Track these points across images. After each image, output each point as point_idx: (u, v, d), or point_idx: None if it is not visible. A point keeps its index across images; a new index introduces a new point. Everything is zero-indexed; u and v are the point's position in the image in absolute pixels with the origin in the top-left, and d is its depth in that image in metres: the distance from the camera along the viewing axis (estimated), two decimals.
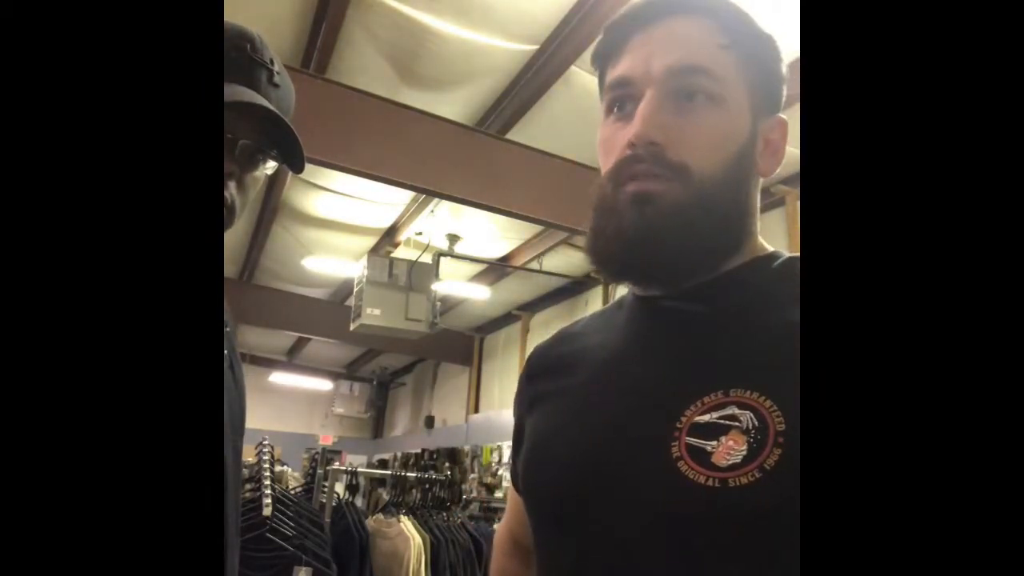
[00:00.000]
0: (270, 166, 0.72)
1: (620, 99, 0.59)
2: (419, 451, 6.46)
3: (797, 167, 2.95)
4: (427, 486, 3.13)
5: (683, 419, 0.52)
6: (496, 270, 5.07)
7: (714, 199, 0.56)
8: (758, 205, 0.62)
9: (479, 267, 5.12)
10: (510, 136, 3.23)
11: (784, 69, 0.62)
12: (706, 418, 0.51)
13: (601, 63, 0.63)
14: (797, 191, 3.26)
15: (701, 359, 0.56)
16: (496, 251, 4.78)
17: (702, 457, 0.50)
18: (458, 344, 6.67)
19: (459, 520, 3.04)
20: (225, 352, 0.64)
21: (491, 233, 4.44)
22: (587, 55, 2.62)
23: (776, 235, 3.48)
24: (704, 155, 0.57)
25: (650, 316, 0.62)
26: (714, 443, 0.50)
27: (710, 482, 0.49)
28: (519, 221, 3.50)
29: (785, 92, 0.63)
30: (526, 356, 0.76)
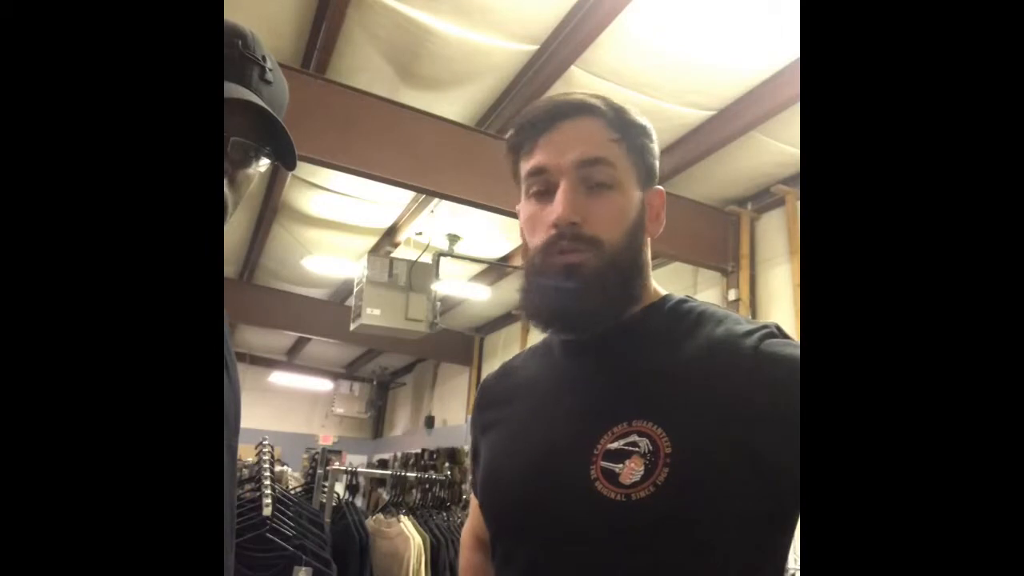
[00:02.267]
0: (263, 163, 0.72)
1: (539, 185, 0.74)
2: (419, 451, 6.46)
3: (797, 167, 2.95)
4: (427, 486, 3.13)
5: (599, 446, 0.65)
6: (496, 270, 5.07)
7: (620, 261, 0.71)
8: (650, 260, 0.77)
9: (479, 267, 5.11)
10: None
11: (656, 148, 0.78)
12: (615, 445, 0.64)
13: (515, 153, 0.78)
14: (797, 191, 3.26)
15: (610, 395, 0.70)
16: (496, 251, 4.78)
17: (612, 477, 0.63)
18: (458, 344, 6.67)
19: (459, 520, 3.03)
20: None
21: (491, 233, 4.44)
22: (587, 55, 2.63)
23: (776, 235, 3.48)
24: (610, 228, 0.71)
25: (571, 356, 0.77)
26: (620, 466, 0.63)
27: (619, 497, 0.62)
28: (519, 221, 3.50)
29: (658, 166, 0.78)
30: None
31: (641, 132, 0.76)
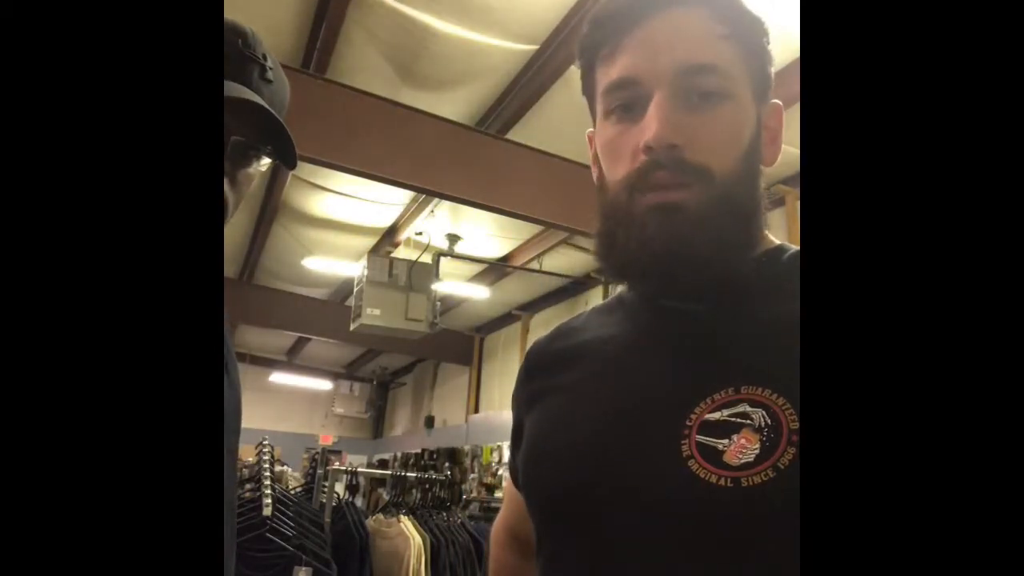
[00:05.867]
0: (264, 163, 0.72)
1: (625, 100, 0.57)
2: (419, 451, 6.46)
3: (797, 167, 2.95)
4: (427, 486, 3.13)
5: (693, 416, 0.51)
6: (496, 270, 5.07)
7: (735, 198, 0.55)
8: (764, 197, 0.61)
9: (479, 267, 5.12)
10: (510, 136, 3.23)
11: (772, 52, 0.60)
12: (717, 416, 0.50)
13: (588, 58, 0.60)
14: (797, 191, 3.26)
15: (710, 356, 0.55)
16: (496, 251, 4.78)
17: (713, 456, 0.49)
18: (458, 344, 6.67)
19: (459, 520, 3.03)
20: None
21: (491, 233, 4.44)
22: None
23: (776, 235, 3.46)
24: (722, 154, 0.55)
25: (655, 312, 0.61)
26: (725, 441, 0.49)
27: (722, 481, 0.48)
28: (519, 221, 3.51)
29: (773, 73, 0.61)
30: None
31: (757, 28, 0.59)
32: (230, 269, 5.38)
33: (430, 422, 7.18)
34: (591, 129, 0.64)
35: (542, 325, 5.66)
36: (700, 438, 0.50)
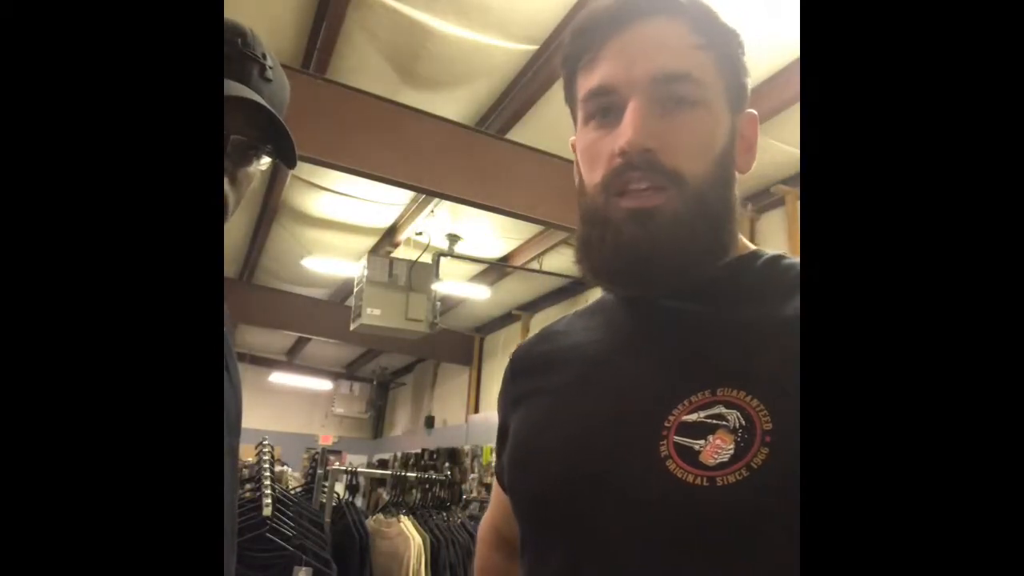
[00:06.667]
0: (264, 162, 0.72)
1: (603, 107, 0.59)
2: (419, 451, 6.46)
3: (797, 167, 2.96)
4: (427, 486, 3.13)
5: (671, 418, 0.53)
6: (496, 270, 5.08)
7: (708, 202, 0.57)
8: (738, 204, 0.63)
9: (479, 267, 5.12)
10: (510, 136, 3.23)
11: (747, 64, 0.62)
12: (693, 417, 0.52)
13: (570, 67, 0.63)
14: (797, 191, 3.26)
15: (688, 358, 0.57)
16: (496, 251, 4.78)
17: (690, 456, 0.51)
18: (458, 344, 6.67)
19: (459, 520, 3.04)
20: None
21: (491, 233, 4.44)
22: None
23: (776, 235, 3.48)
24: (695, 159, 0.57)
25: (635, 316, 0.63)
26: (702, 442, 0.51)
27: (698, 481, 0.50)
28: (519, 221, 3.51)
29: (750, 85, 0.63)
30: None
31: (732, 40, 0.61)
32: (230, 269, 5.38)
33: (430, 422, 7.18)
34: (574, 137, 0.66)
35: (542, 325, 5.62)
36: (678, 439, 0.52)
